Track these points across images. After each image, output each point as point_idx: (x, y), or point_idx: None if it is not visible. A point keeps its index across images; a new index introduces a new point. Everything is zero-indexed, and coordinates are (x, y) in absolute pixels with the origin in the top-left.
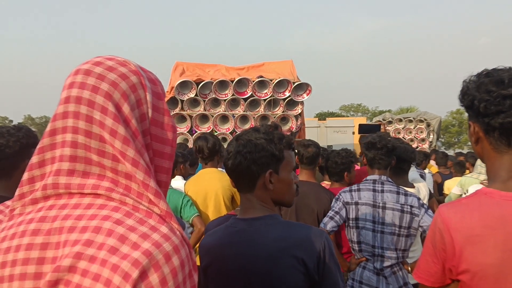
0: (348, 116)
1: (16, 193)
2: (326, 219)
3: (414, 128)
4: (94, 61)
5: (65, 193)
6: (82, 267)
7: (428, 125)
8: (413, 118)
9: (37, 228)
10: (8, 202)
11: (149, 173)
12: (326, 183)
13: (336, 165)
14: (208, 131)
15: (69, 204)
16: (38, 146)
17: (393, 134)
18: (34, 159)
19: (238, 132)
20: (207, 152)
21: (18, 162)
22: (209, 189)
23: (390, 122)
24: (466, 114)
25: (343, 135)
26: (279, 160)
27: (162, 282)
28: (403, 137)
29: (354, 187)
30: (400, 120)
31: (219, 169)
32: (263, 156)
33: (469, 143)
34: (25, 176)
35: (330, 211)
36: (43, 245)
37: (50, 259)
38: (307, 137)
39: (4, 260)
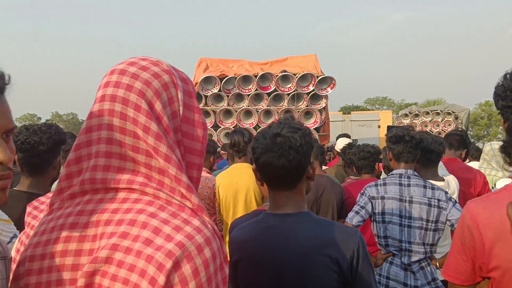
0: (373, 110)
1: (56, 188)
2: (351, 214)
3: (441, 121)
4: (128, 61)
5: (102, 188)
6: (118, 258)
7: (456, 117)
8: (441, 110)
9: (75, 221)
10: (43, 198)
11: (181, 168)
12: (353, 178)
13: (370, 154)
14: (231, 126)
15: (105, 198)
16: (75, 143)
17: (420, 127)
18: (71, 155)
19: (262, 128)
20: (243, 145)
21: (51, 158)
22: (240, 184)
23: (416, 115)
24: (495, 107)
25: (368, 129)
26: (313, 150)
27: (194, 273)
28: (430, 130)
29: (380, 181)
30: (427, 113)
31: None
32: (310, 149)
33: (499, 136)
34: (63, 172)
35: (355, 206)
36: (81, 238)
37: (87, 251)
38: (331, 132)
39: (43, 252)
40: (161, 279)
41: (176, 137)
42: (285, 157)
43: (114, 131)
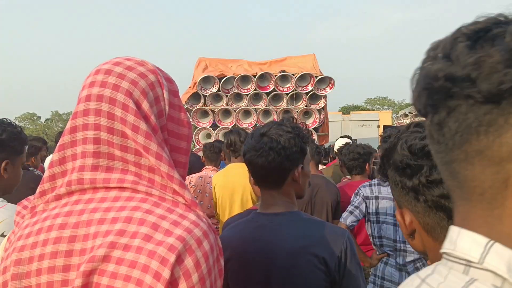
0: (373, 110)
1: (38, 190)
2: (345, 214)
3: None
4: (113, 61)
5: (90, 188)
6: (117, 255)
7: None
8: None
9: (64, 222)
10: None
11: (172, 165)
12: (349, 178)
13: (359, 155)
14: (230, 126)
15: (95, 198)
16: (58, 144)
17: None
18: (55, 156)
19: (258, 126)
20: (239, 145)
21: None
22: (237, 184)
23: (416, 115)
24: None
25: (367, 129)
26: (305, 154)
27: (196, 265)
28: None
29: (374, 181)
30: None
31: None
32: (296, 152)
33: None
34: (46, 173)
35: (349, 206)
36: (71, 238)
37: (78, 251)
38: (330, 131)
39: (31, 255)
40: (166, 273)
41: (163, 135)
42: (264, 157)
43: (102, 130)
